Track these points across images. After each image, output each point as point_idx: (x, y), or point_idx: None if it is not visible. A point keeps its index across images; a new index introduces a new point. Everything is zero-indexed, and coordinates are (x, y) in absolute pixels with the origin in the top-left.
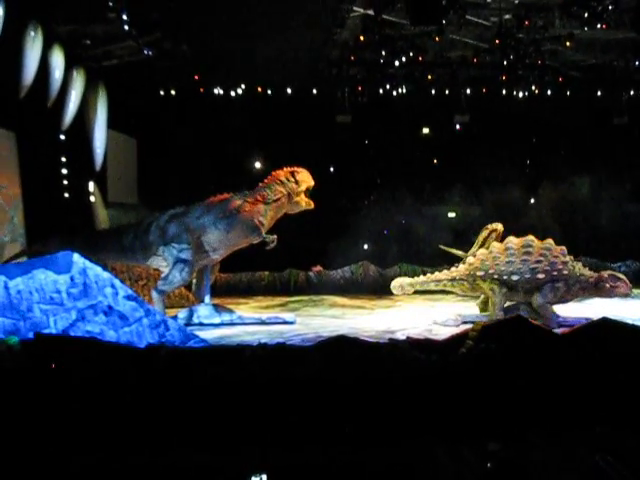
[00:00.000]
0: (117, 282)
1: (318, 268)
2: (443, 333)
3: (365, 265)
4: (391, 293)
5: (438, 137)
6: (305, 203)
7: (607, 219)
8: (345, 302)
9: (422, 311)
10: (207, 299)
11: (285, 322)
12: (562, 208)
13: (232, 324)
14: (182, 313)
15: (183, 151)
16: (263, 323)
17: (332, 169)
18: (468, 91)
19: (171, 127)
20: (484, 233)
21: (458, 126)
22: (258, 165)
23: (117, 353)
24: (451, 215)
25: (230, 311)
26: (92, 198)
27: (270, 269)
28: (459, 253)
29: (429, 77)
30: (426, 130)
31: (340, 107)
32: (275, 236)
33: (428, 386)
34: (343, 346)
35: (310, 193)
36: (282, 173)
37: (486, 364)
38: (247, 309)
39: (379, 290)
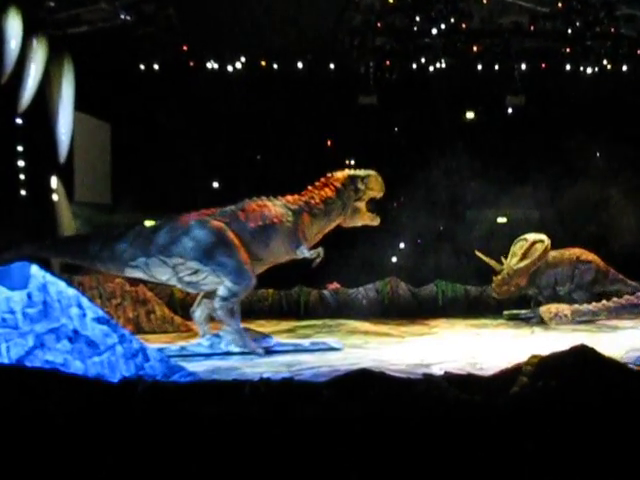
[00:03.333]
0: (85, 301)
1: (334, 285)
2: (490, 367)
3: (393, 282)
4: (425, 317)
5: (485, 124)
6: (368, 218)
7: None
8: (368, 328)
9: (464, 340)
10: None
11: (332, 349)
12: None
13: (268, 352)
14: (205, 340)
15: (169, 139)
16: (306, 350)
17: (353, 162)
18: (523, 66)
19: (154, 110)
20: (524, 245)
21: (511, 110)
22: (261, 157)
23: (84, 388)
24: (501, 220)
25: (264, 336)
26: (55, 196)
27: (275, 286)
28: (494, 264)
29: (474, 49)
30: (470, 115)
31: (364, 86)
32: (321, 249)
33: (471, 433)
34: (365, 383)
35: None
36: (340, 177)
37: (544, 407)
38: None
39: (411, 313)
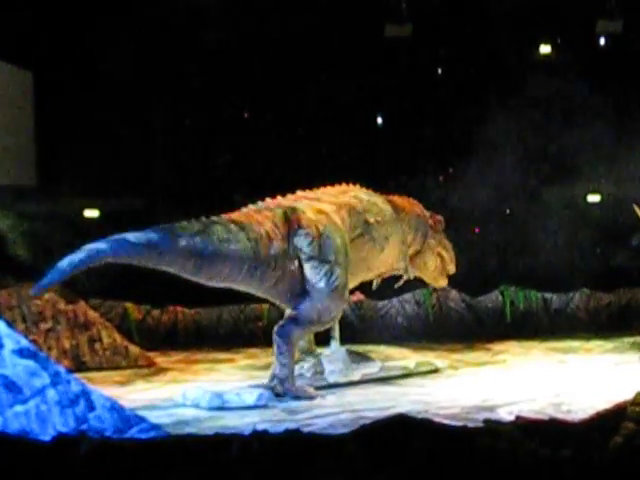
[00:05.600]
0: (2, 326)
1: (357, 297)
2: (581, 409)
3: (441, 290)
4: (488, 339)
5: (566, 60)
6: (437, 271)
7: None
8: (406, 356)
9: (544, 371)
10: (336, 343)
11: (436, 370)
12: None
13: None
14: (307, 365)
15: (120, 93)
16: (411, 374)
17: (378, 119)
18: None
19: (95, 52)
20: None
21: (603, 40)
22: (250, 115)
23: (2, 450)
24: (593, 199)
25: (369, 360)
26: None
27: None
28: None
29: None
30: (546, 49)
31: (393, 10)
32: (414, 274)
33: None
34: (404, 434)
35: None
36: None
37: None
38: (231, 370)
39: (467, 334)
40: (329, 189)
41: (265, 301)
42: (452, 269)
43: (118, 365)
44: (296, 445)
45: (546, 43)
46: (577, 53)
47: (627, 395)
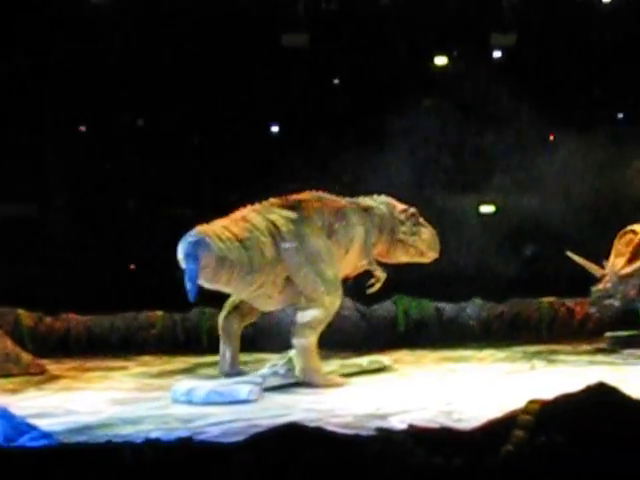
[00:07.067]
0: None
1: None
2: (472, 418)
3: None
4: (380, 348)
5: (461, 72)
6: (417, 249)
7: None
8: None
9: (435, 380)
10: None
11: (385, 367)
12: None
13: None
14: (281, 363)
15: (28, 97)
16: (363, 371)
17: (276, 128)
18: None
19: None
20: (633, 239)
21: (498, 53)
22: (146, 122)
23: None
24: (486, 210)
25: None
26: None
27: (166, 307)
28: (593, 268)
29: None
30: (441, 60)
31: (290, 20)
32: (385, 274)
33: None
34: (295, 442)
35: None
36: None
37: (549, 471)
38: (124, 377)
39: (360, 342)
40: (295, 196)
41: (158, 308)
42: (432, 256)
43: (9, 372)
44: (188, 453)
45: (442, 54)
46: (472, 65)
47: (518, 404)
